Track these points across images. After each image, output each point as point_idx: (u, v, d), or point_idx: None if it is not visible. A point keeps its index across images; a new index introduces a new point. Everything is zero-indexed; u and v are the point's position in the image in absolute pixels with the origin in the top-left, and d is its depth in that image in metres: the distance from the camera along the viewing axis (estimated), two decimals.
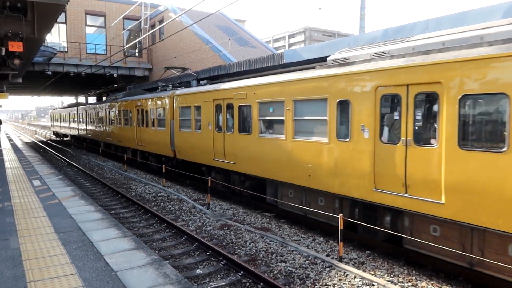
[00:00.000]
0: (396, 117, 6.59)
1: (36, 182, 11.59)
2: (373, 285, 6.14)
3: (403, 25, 9.93)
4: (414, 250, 6.76)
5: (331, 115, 7.77)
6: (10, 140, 34.79)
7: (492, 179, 5.25)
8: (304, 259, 7.23)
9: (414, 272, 6.73)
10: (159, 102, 15.93)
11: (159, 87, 17.38)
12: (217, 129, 11.84)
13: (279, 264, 7.06)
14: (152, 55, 31.65)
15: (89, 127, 28.85)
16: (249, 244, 8.11)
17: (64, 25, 28.90)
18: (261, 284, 6.14)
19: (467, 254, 5.91)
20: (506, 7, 7.80)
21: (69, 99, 60.86)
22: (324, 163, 7.98)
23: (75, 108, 34.31)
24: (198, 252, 7.78)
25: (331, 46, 12.15)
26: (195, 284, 6.32)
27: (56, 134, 49.43)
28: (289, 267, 6.90)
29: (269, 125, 9.86)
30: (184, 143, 13.99)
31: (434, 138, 6.01)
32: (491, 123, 5.49)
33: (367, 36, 11.01)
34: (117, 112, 21.70)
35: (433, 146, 5.97)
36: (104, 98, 42.85)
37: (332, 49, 12.03)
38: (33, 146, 33.95)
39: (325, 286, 6.19)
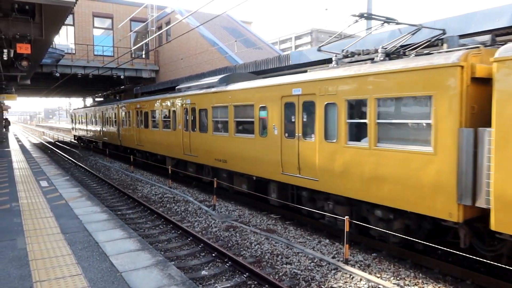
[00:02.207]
0: None
1: (44, 183, 11.68)
2: None
3: (409, 27, 9.85)
4: None
5: None
6: (18, 141, 35.13)
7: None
8: (310, 261, 7.20)
9: (420, 275, 6.67)
10: (394, 85, 6.82)
11: (333, 60, 8.68)
12: None
13: (285, 266, 7.04)
14: (159, 57, 31.80)
15: (145, 134, 18.89)
16: (255, 245, 8.09)
17: (72, 27, 29.19)
18: (266, 286, 6.12)
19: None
20: None
21: (77, 101, 61.19)
22: None
23: (113, 104, 24.65)
24: (203, 254, 7.78)
25: (337, 47, 12.10)
26: (200, 286, 6.32)
27: (78, 139, 37.87)
28: (295, 269, 6.87)
29: None
30: None
31: None
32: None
33: (373, 38, 10.94)
34: (215, 110, 12.46)
35: None
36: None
37: (338, 50, 11.99)
38: (41, 147, 34.24)
39: None
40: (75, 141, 39.95)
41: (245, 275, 6.57)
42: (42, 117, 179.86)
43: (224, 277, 6.69)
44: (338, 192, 8.00)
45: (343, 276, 6.53)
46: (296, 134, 8.97)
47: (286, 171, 9.38)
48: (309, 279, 6.48)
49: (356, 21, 8.51)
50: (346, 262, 7.09)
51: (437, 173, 6.16)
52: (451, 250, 6.17)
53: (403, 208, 6.71)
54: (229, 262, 7.07)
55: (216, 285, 6.34)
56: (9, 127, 45.69)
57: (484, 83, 5.90)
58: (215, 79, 13.28)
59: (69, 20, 21.52)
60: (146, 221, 10.32)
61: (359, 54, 8.23)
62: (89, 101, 52.60)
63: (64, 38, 29.00)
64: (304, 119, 8.84)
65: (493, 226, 5.49)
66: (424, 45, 7.66)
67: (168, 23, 29.48)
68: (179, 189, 14.38)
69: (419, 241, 6.63)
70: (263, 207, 11.22)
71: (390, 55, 7.56)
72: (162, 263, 5.41)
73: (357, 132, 7.66)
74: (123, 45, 29.91)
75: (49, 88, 38.24)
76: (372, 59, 7.76)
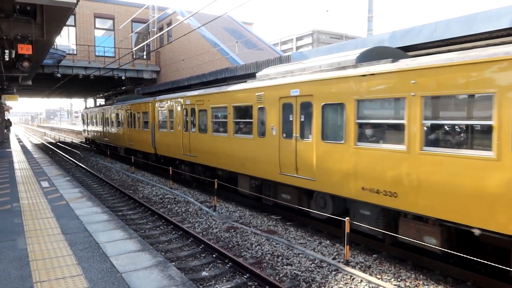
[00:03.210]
0: None
1: (45, 183, 11.68)
2: None
3: (411, 28, 9.86)
4: None
5: None
6: (19, 141, 35.17)
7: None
8: (310, 262, 7.19)
9: (421, 276, 6.66)
10: None
11: None
12: None
13: (285, 267, 7.03)
14: (160, 58, 31.83)
15: (199, 140, 13.61)
16: (255, 246, 8.09)
17: (74, 28, 29.22)
18: (267, 287, 6.12)
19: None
20: None
21: (78, 101, 61.04)
22: None
23: (145, 100, 19.44)
24: (204, 254, 7.78)
25: (339, 48, 12.10)
26: (201, 286, 6.32)
27: (92, 143, 33.08)
28: (295, 270, 6.87)
29: None
30: None
31: None
32: None
33: (374, 39, 10.94)
34: (361, 106, 7.46)
35: None
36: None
37: (339, 51, 11.99)
38: (42, 147, 34.27)
39: None
40: (87, 145, 34.97)
41: (245, 276, 6.57)
42: (44, 117, 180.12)
43: (224, 278, 6.68)
44: None
45: (343, 278, 6.52)
46: None
47: None
48: (310, 280, 6.47)
49: None
50: (347, 263, 7.08)
51: None
52: (452, 252, 6.15)
53: None
54: (230, 263, 7.07)
55: (217, 286, 6.34)
56: (11, 127, 45.76)
57: None
58: (347, 55, 8.30)
59: (70, 21, 21.55)
60: (147, 222, 10.32)
61: None
62: (90, 101, 52.71)
63: (65, 39, 29.06)
64: None
65: None
66: None
67: (169, 24, 29.51)
68: (180, 190, 14.38)
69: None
70: (264, 208, 11.20)
71: None
72: (162, 264, 5.41)
73: None
74: (124, 46, 29.96)
75: (50, 89, 38.30)
76: None
